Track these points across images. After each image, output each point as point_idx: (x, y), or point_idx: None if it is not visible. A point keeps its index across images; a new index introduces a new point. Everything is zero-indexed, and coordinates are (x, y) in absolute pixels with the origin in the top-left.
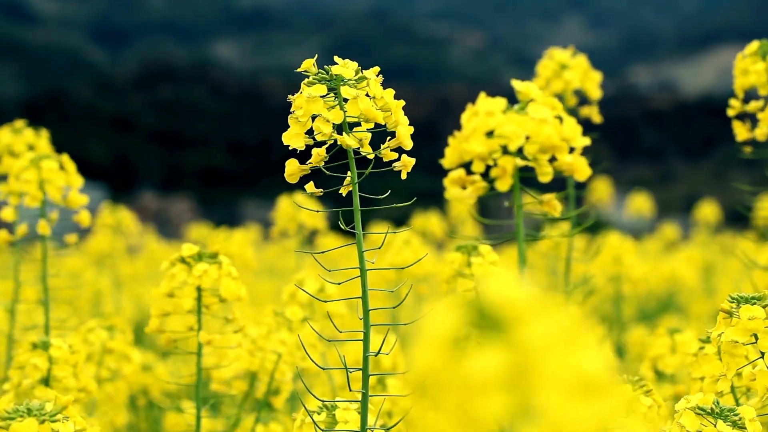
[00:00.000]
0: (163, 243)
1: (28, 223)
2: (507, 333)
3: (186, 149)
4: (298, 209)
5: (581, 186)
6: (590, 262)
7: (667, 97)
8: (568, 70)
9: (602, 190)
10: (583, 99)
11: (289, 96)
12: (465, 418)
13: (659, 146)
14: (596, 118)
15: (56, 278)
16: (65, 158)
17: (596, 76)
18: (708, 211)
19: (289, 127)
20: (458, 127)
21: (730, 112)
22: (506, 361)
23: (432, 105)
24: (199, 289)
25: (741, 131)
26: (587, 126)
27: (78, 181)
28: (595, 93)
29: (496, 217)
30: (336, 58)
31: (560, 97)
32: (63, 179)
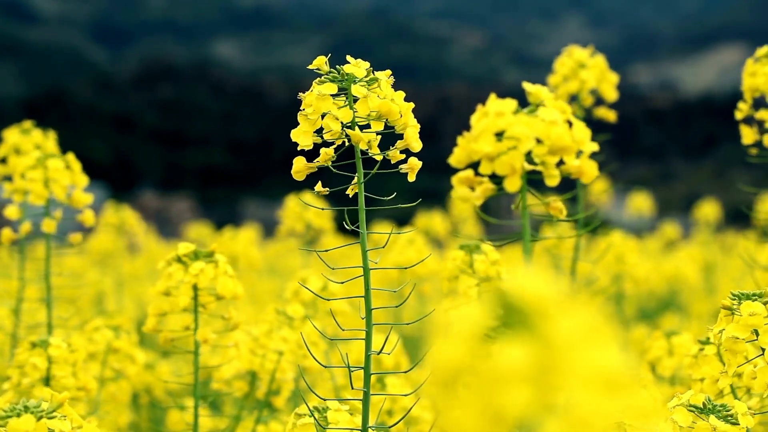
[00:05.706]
0: (164, 242)
1: (30, 221)
2: (534, 328)
3: (186, 148)
4: (306, 209)
5: (582, 185)
6: (597, 263)
7: (668, 96)
8: (585, 69)
9: (601, 190)
10: (597, 99)
11: (300, 93)
12: (490, 411)
13: (659, 145)
14: (611, 118)
15: (58, 277)
16: (71, 157)
17: (613, 78)
18: (708, 210)
19: (290, 125)
20: (459, 126)
21: (738, 115)
22: (532, 355)
23: (432, 104)
24: (195, 288)
25: (748, 134)
26: (594, 126)
27: (83, 180)
28: (611, 95)
29: (496, 218)
30: (348, 58)
31: (575, 96)
32: (68, 178)
